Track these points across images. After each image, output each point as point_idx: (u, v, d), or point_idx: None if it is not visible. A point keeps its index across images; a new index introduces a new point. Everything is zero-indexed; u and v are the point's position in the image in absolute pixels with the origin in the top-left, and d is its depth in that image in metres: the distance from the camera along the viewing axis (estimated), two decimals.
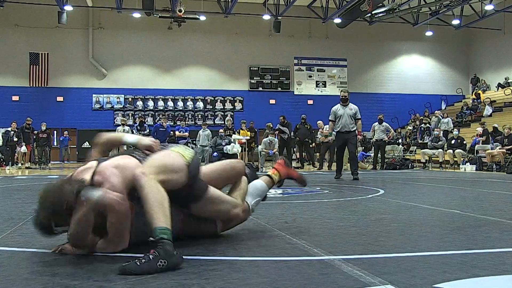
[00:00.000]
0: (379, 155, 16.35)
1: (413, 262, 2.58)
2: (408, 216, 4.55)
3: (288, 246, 3.03)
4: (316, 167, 16.15)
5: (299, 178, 3.72)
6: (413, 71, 27.55)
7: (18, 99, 23.40)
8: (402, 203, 5.56)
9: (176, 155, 2.82)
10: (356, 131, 10.15)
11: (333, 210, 5.09)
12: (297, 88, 26.33)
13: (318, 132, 15.97)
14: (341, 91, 10.65)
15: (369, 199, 6.06)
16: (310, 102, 25.97)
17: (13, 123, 18.06)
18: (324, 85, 26.65)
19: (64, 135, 22.07)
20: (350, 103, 10.30)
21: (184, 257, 2.67)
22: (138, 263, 2.29)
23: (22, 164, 18.01)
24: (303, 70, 26.48)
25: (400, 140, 19.49)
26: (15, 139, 17.47)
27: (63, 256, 2.71)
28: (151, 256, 2.32)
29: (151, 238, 2.58)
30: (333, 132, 10.46)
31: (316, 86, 26.57)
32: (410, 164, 16.88)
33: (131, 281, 2.22)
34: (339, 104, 10.42)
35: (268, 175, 3.47)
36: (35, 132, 18.52)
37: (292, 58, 26.21)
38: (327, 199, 6.15)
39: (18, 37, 23.40)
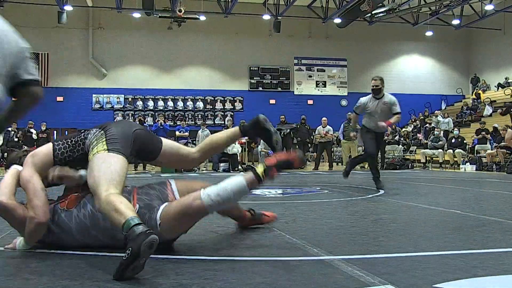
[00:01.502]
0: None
1: (413, 262, 2.58)
2: (408, 216, 4.56)
3: (288, 246, 3.04)
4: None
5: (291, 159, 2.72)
6: (413, 71, 27.53)
7: None
8: (402, 203, 5.55)
9: (103, 157, 2.78)
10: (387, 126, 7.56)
11: (333, 210, 5.09)
12: (297, 88, 26.32)
13: (317, 130, 15.91)
14: (372, 79, 7.82)
15: (369, 199, 6.06)
16: (310, 102, 25.96)
17: (14, 123, 18.07)
18: (324, 85, 26.63)
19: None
20: (385, 94, 7.70)
21: (184, 257, 2.68)
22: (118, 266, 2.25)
23: None
24: (303, 70, 26.46)
25: (400, 140, 19.46)
26: (15, 139, 17.49)
27: (64, 257, 2.71)
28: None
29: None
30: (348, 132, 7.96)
31: (316, 86, 26.55)
32: (410, 164, 16.88)
33: (131, 280, 2.22)
34: (370, 96, 7.77)
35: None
36: (35, 132, 18.56)
37: (292, 58, 26.20)
38: (327, 199, 6.14)
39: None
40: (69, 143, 3.02)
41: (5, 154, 17.98)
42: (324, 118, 15.79)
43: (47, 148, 3.02)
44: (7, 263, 2.63)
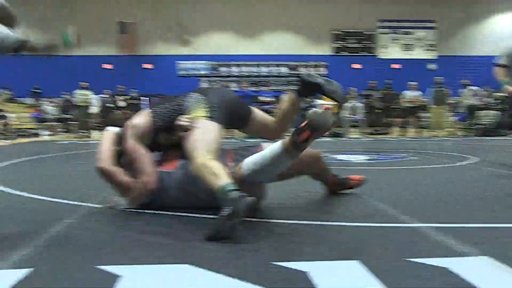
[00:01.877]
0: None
1: (511, 233, 2.46)
2: (506, 185, 4.31)
3: (375, 213, 2.99)
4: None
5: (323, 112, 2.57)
6: (509, 31, 25.71)
7: (109, 67, 24.49)
8: (498, 172, 5.28)
9: (204, 123, 2.85)
10: None
11: (423, 177, 4.93)
12: (381, 52, 25.49)
13: (403, 95, 15.33)
14: None
15: (462, 167, 5.82)
16: (395, 66, 25.08)
17: (107, 90, 19.00)
18: (411, 48, 25.57)
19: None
20: None
21: (273, 221, 2.72)
22: (213, 226, 2.31)
23: None
24: (389, 33, 25.51)
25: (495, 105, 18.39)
26: (109, 105, 18.39)
27: (161, 216, 2.84)
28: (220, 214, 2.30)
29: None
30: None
31: (403, 50, 25.56)
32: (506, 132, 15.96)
33: (223, 241, 2.28)
34: None
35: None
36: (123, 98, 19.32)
37: (376, 21, 25.31)
38: (416, 166, 5.97)
39: (108, 7, 24.32)
40: (167, 109, 3.09)
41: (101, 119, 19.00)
42: (412, 82, 15.20)
43: (145, 116, 3.09)
44: (109, 220, 2.80)
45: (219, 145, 2.84)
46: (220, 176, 2.48)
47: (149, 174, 2.90)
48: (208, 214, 2.84)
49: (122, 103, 18.15)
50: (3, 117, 15.66)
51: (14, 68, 23.95)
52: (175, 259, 2.01)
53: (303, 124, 2.49)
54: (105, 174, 3.01)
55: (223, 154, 2.94)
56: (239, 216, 2.25)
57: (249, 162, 2.66)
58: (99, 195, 3.58)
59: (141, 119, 3.08)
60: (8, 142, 13.36)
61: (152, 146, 3.08)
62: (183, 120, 2.93)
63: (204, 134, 2.79)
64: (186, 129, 2.89)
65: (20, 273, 1.82)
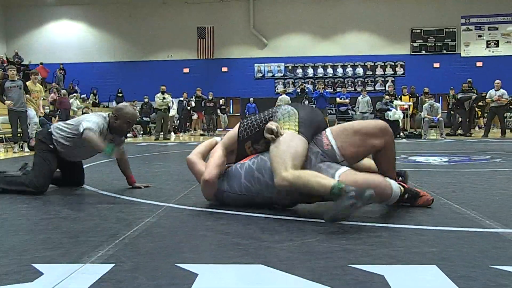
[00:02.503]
0: None
1: None
2: None
3: (456, 216, 2.88)
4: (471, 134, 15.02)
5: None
6: None
7: (188, 71, 25.19)
8: None
9: (293, 135, 2.95)
10: None
11: (508, 180, 4.68)
12: (464, 50, 24.45)
13: (488, 94, 14.58)
14: None
15: None
16: (479, 64, 23.97)
17: (184, 93, 19.55)
18: (497, 44, 24.31)
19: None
20: None
21: (347, 223, 2.69)
22: (333, 208, 2.52)
23: (194, 131, 19.56)
24: (472, 30, 24.42)
25: None
26: (188, 108, 18.93)
27: (235, 217, 2.90)
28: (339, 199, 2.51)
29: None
30: None
31: (487, 47, 24.38)
32: None
33: (297, 243, 2.30)
34: None
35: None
36: (204, 101, 19.78)
37: (458, 17, 24.31)
38: (500, 168, 5.67)
39: (188, 13, 25.04)
40: (256, 121, 3.23)
41: (180, 122, 19.56)
42: (497, 81, 14.45)
43: (235, 129, 3.32)
44: (187, 220, 2.89)
45: (304, 159, 2.90)
46: (325, 177, 2.70)
47: (208, 167, 3.14)
48: (285, 216, 2.87)
49: (197, 106, 18.62)
50: None
51: (99, 73, 25.22)
52: (250, 259, 2.04)
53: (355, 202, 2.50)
54: (188, 163, 3.37)
55: None
56: (364, 200, 2.48)
57: (397, 189, 2.88)
58: (177, 196, 3.70)
59: (231, 132, 3.33)
60: None
61: (239, 155, 3.26)
62: (273, 125, 3.00)
63: (293, 147, 2.87)
64: (275, 133, 2.96)
65: (105, 268, 1.93)
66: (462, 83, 16.11)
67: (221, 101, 21.08)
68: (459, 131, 15.43)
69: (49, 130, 4.27)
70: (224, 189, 3.15)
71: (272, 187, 2.92)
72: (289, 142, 2.88)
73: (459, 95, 15.10)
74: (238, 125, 3.32)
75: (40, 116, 11.51)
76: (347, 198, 2.46)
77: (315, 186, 2.66)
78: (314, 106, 17.73)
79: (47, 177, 4.14)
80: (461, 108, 15.23)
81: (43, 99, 12.20)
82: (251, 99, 20.97)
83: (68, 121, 4.39)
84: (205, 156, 3.39)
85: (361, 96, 16.36)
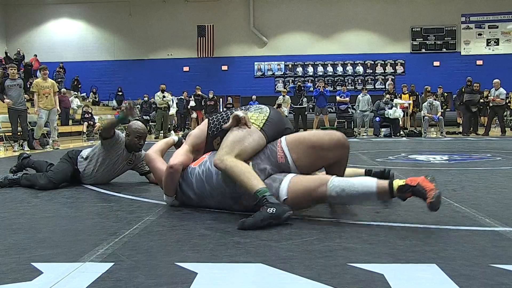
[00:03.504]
0: None
1: None
2: None
3: (456, 215, 2.88)
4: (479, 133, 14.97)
5: (430, 202, 2.45)
6: None
7: (188, 70, 25.19)
8: None
9: (254, 131, 2.95)
10: None
11: (508, 179, 4.68)
12: (464, 48, 24.43)
13: (490, 92, 14.50)
14: None
15: None
16: (479, 62, 23.95)
17: (184, 92, 19.54)
18: (497, 43, 24.29)
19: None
20: None
21: (347, 221, 2.69)
22: (251, 217, 2.56)
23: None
24: (472, 28, 24.40)
25: None
26: (188, 107, 18.89)
27: (234, 216, 2.89)
28: (261, 209, 2.57)
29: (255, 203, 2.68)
30: None
31: (487, 45, 24.37)
32: None
33: (297, 241, 2.29)
34: None
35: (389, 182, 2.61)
36: (204, 99, 19.75)
37: (458, 16, 24.30)
38: (500, 167, 5.67)
39: (188, 11, 25.02)
40: (225, 117, 3.19)
41: (178, 120, 19.55)
42: (495, 80, 14.41)
43: (201, 127, 3.31)
44: (186, 219, 2.88)
45: (254, 154, 2.91)
46: (255, 178, 2.72)
47: (173, 156, 3.17)
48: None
49: (195, 104, 18.56)
50: (91, 119, 16.47)
51: (99, 72, 25.21)
52: (249, 258, 2.04)
53: (413, 183, 2.49)
54: (147, 159, 3.50)
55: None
56: (282, 220, 2.55)
57: (337, 186, 2.63)
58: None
59: (198, 129, 3.33)
60: (93, 142, 14.08)
61: (206, 151, 3.25)
62: (241, 113, 3.00)
63: (249, 139, 2.89)
64: (242, 120, 2.96)
65: (104, 267, 1.93)
66: (466, 83, 15.99)
67: (228, 99, 20.87)
68: (459, 129, 15.39)
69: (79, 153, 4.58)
70: (184, 189, 3.17)
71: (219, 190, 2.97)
72: (247, 135, 2.90)
73: (466, 97, 14.91)
74: (205, 122, 3.30)
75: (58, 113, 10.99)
76: (266, 214, 2.54)
77: (245, 181, 2.71)
78: (314, 104, 17.73)
79: (65, 176, 4.37)
80: (466, 110, 15.02)
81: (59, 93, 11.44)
82: (254, 97, 20.63)
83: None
84: (163, 154, 3.51)
85: (361, 94, 16.32)
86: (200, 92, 18.67)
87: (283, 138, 2.99)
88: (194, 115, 19.36)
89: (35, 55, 23.25)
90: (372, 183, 2.59)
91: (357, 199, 2.67)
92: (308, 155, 2.90)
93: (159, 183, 3.37)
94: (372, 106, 15.47)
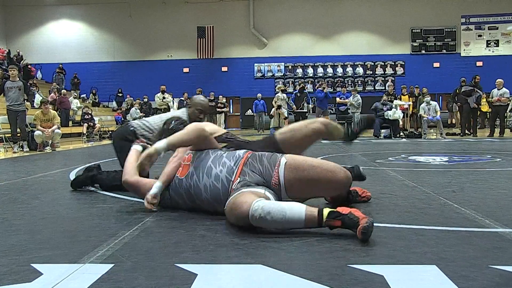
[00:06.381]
0: None
1: None
2: None
3: (456, 216, 2.88)
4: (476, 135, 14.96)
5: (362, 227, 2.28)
6: None
7: (188, 71, 25.19)
8: None
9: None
10: None
11: (508, 180, 4.68)
12: (464, 49, 24.45)
13: (491, 93, 14.47)
14: None
15: None
16: (479, 64, 23.97)
17: (185, 94, 19.53)
18: (497, 44, 24.31)
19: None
20: None
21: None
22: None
23: None
24: (472, 29, 24.42)
25: None
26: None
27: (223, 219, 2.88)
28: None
29: None
30: None
31: (487, 46, 24.38)
32: None
33: (297, 242, 2.29)
34: None
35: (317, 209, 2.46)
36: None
37: (458, 17, 24.32)
38: (500, 168, 5.67)
39: (188, 12, 25.04)
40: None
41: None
42: (498, 80, 14.37)
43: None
44: (186, 220, 2.88)
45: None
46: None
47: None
48: None
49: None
50: (91, 120, 16.47)
51: (98, 73, 25.22)
52: (249, 259, 2.04)
53: (342, 213, 2.35)
54: (127, 186, 3.30)
55: (238, 159, 2.94)
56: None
57: (263, 208, 2.43)
58: None
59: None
60: (93, 144, 14.06)
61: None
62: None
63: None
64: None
65: (104, 268, 1.93)
66: (460, 83, 15.97)
67: (224, 100, 20.56)
68: (457, 130, 15.36)
69: (132, 128, 4.39)
70: (173, 196, 3.14)
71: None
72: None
73: (463, 89, 14.91)
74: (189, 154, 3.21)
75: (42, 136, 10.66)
76: None
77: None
78: (315, 105, 17.67)
79: None
80: (464, 105, 14.95)
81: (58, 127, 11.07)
82: (259, 95, 20.17)
83: (151, 117, 4.59)
84: (139, 170, 3.19)
85: (351, 96, 16.29)
86: (200, 93, 18.61)
87: (282, 161, 2.85)
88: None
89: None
90: (301, 210, 2.43)
91: (282, 226, 2.46)
92: (301, 189, 2.82)
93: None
94: (359, 108, 15.56)
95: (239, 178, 2.81)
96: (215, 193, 2.87)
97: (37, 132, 10.51)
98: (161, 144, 3.10)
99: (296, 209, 2.43)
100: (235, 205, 2.56)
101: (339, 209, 2.38)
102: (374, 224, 2.35)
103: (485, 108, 17.30)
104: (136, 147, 3.49)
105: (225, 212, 2.68)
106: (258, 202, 2.46)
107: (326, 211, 2.39)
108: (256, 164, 2.88)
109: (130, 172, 3.26)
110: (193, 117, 4.32)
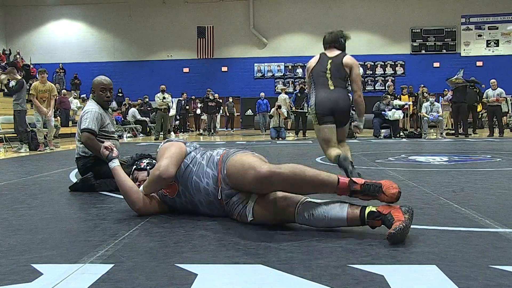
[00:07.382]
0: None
1: None
2: None
3: (456, 216, 2.88)
4: (477, 134, 14.96)
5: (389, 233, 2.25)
6: None
7: (188, 71, 25.20)
8: None
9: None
10: None
11: (508, 180, 4.68)
12: (464, 49, 24.45)
13: (485, 93, 14.46)
14: None
15: None
16: (479, 63, 23.98)
17: (184, 94, 19.52)
18: (497, 44, 24.32)
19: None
20: None
21: None
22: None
23: (201, 131, 19.53)
24: (472, 29, 24.43)
25: None
26: (187, 107, 18.90)
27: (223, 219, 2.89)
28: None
29: None
30: None
31: (487, 46, 24.39)
32: None
33: (297, 242, 2.29)
34: None
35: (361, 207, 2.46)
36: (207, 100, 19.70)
37: (458, 17, 24.32)
38: (500, 168, 5.67)
39: (188, 12, 25.04)
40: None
41: (179, 121, 19.51)
42: (492, 80, 14.37)
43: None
44: (186, 220, 2.88)
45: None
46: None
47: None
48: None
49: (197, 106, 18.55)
50: None
51: (98, 73, 25.20)
52: (249, 259, 2.04)
53: (385, 212, 2.36)
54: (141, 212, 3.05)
55: (213, 160, 2.88)
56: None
57: (305, 211, 2.49)
58: None
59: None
60: None
61: None
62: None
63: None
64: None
65: (104, 268, 1.93)
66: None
67: (229, 99, 20.40)
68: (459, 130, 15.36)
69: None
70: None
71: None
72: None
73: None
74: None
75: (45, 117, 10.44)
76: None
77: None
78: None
79: None
80: (463, 103, 14.85)
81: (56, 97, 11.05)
82: (262, 94, 19.95)
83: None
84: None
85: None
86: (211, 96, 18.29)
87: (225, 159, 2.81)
88: (204, 116, 19.29)
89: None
90: (343, 211, 2.44)
91: (324, 225, 2.50)
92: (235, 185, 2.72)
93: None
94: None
95: (221, 185, 2.78)
96: (212, 207, 2.86)
97: (37, 125, 10.38)
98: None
99: (338, 213, 2.44)
100: (275, 214, 2.55)
101: (380, 208, 2.39)
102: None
103: (479, 107, 17.33)
104: (113, 165, 3.10)
105: (257, 222, 2.60)
106: (301, 206, 2.50)
107: (367, 210, 2.40)
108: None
109: (136, 198, 2.99)
110: (100, 100, 4.27)
